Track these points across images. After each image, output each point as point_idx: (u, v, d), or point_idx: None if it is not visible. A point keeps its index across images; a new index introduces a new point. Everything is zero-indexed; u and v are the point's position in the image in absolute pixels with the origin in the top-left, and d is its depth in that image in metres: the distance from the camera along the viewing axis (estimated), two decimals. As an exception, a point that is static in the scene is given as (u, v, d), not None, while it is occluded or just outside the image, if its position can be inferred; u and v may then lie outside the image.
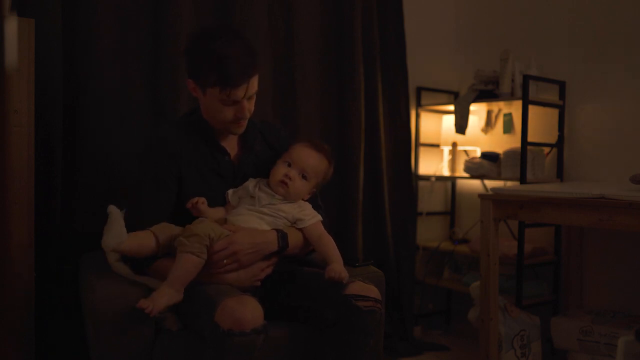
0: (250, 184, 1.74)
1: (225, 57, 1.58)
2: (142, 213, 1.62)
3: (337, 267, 1.62)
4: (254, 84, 1.67)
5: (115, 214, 1.48)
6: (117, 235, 1.47)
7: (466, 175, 2.97)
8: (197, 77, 1.66)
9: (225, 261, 1.58)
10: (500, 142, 3.04)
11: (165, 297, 1.49)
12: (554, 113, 2.77)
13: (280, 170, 1.72)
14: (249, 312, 1.41)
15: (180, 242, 1.51)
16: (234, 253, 1.58)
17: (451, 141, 3.10)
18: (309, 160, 1.74)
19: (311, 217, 1.73)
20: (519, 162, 2.63)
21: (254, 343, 1.41)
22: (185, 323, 1.60)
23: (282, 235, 1.65)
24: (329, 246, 1.70)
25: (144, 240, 1.54)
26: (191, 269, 1.52)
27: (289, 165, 1.73)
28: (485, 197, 2.32)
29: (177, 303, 1.53)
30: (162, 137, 1.71)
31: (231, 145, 1.79)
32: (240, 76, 1.60)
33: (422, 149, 3.22)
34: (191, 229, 1.53)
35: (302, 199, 1.76)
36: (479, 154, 3.04)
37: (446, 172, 3.15)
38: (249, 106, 1.69)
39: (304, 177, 1.73)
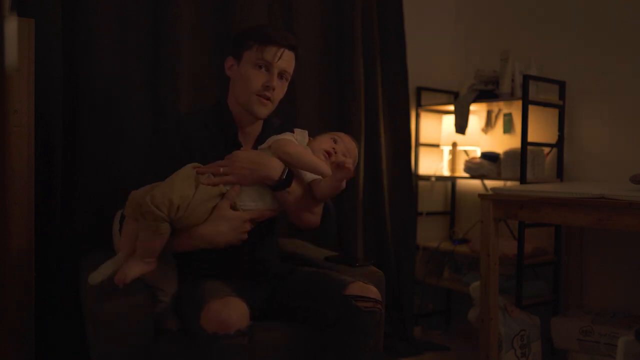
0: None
1: (266, 26, 1.78)
2: None
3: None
4: (289, 59, 1.73)
5: (102, 276, 1.52)
6: (113, 265, 1.53)
7: (466, 175, 2.97)
8: (237, 48, 1.72)
9: (222, 169, 1.57)
10: (500, 142, 3.04)
11: (136, 268, 1.49)
12: (554, 113, 2.77)
13: (327, 142, 1.71)
14: (233, 314, 1.41)
15: (138, 218, 1.49)
16: (231, 163, 1.58)
17: (451, 141, 3.10)
18: (352, 146, 1.76)
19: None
20: (519, 162, 2.63)
21: (240, 344, 1.41)
22: (181, 317, 1.60)
23: (288, 171, 1.60)
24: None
25: (127, 234, 1.54)
26: (153, 243, 1.50)
27: (335, 142, 1.73)
28: (485, 197, 2.32)
29: (150, 271, 1.52)
30: (177, 124, 1.72)
31: (247, 145, 1.79)
32: (276, 36, 1.69)
33: (422, 149, 3.22)
34: (147, 203, 1.45)
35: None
36: (479, 154, 3.04)
37: (446, 172, 3.15)
38: (279, 86, 1.72)
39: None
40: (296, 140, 1.68)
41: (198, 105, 2.28)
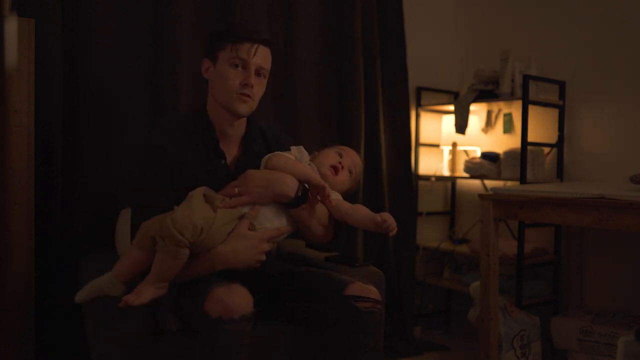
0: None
1: (238, 24, 1.75)
2: (149, 216, 1.58)
3: (386, 216, 1.58)
4: (265, 55, 1.70)
5: (86, 294, 1.53)
6: (101, 286, 1.52)
7: (466, 175, 2.97)
8: (211, 50, 1.70)
9: (236, 189, 1.56)
10: (500, 142, 3.04)
11: (149, 292, 1.47)
12: (554, 113, 2.77)
13: (332, 157, 1.70)
14: (237, 299, 1.41)
15: (157, 240, 1.47)
16: (245, 183, 1.56)
17: (451, 141, 3.10)
18: (357, 160, 1.76)
19: (338, 195, 1.69)
20: (519, 162, 2.63)
21: (244, 330, 1.41)
22: (181, 317, 1.60)
23: (303, 188, 1.58)
24: (363, 208, 1.65)
25: (128, 261, 1.54)
26: (170, 268, 1.48)
27: (341, 156, 1.72)
28: (485, 197, 2.32)
29: (161, 296, 1.50)
30: (161, 139, 1.68)
31: (231, 148, 1.76)
32: (249, 33, 1.67)
33: (422, 149, 3.22)
34: (168, 227, 1.44)
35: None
36: (479, 154, 3.04)
37: (446, 172, 3.15)
38: (258, 84, 1.69)
39: (350, 172, 1.72)
40: (294, 157, 1.66)
41: (175, 113, 2.22)
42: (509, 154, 2.77)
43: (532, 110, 2.65)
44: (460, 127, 2.87)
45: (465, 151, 3.15)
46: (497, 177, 2.84)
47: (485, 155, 2.91)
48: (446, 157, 3.16)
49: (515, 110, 2.95)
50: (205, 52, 1.74)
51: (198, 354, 1.43)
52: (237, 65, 1.66)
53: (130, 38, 2.20)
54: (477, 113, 3.15)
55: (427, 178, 3.22)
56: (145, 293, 1.47)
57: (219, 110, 1.71)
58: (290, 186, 1.57)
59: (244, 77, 1.66)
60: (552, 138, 2.77)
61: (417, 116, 3.20)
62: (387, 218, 1.58)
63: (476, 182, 3.19)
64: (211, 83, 1.73)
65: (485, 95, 2.85)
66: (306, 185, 1.59)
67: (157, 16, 2.24)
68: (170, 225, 1.43)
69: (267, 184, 1.56)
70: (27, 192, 1.81)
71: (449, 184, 3.34)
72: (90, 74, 2.12)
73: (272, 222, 1.60)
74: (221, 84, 1.68)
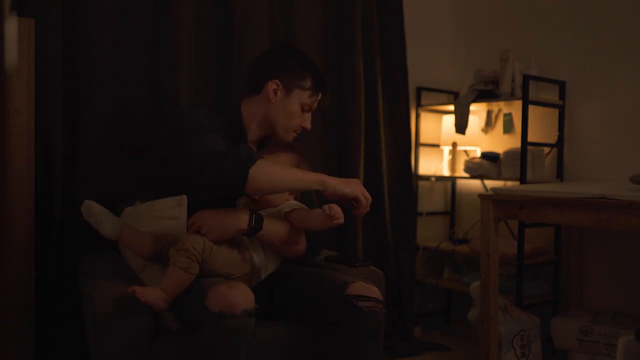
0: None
1: (318, 66, 1.84)
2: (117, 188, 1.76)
3: (332, 204, 1.59)
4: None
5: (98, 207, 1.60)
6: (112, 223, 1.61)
7: (466, 175, 2.97)
8: (289, 77, 1.78)
9: (202, 231, 1.60)
10: (500, 142, 3.04)
11: (160, 299, 1.50)
12: (554, 113, 2.77)
13: None
14: (239, 295, 1.43)
15: (171, 254, 1.52)
16: (198, 226, 1.60)
17: (451, 141, 3.10)
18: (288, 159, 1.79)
19: (294, 205, 1.72)
20: (519, 162, 2.63)
21: (246, 326, 1.41)
22: (181, 314, 1.60)
23: (256, 217, 1.62)
24: (316, 210, 1.67)
25: (148, 241, 1.60)
26: (182, 282, 1.52)
27: None
28: (485, 197, 2.32)
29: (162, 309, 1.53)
30: (180, 115, 1.78)
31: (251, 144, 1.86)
32: (327, 86, 1.83)
33: (422, 149, 3.22)
34: (183, 241, 1.53)
35: (286, 200, 1.75)
36: (479, 154, 3.04)
37: (446, 172, 3.15)
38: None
39: None
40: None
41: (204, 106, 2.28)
42: (509, 154, 2.77)
43: (532, 110, 2.65)
44: (460, 127, 2.87)
45: (465, 151, 3.15)
46: (497, 177, 2.83)
47: (485, 155, 2.91)
48: (446, 157, 3.16)
49: (515, 110, 2.95)
50: (280, 73, 1.78)
51: (198, 350, 1.44)
52: (304, 110, 1.80)
53: (131, 38, 2.20)
54: (477, 113, 3.14)
55: (427, 178, 3.22)
56: (157, 298, 1.49)
57: (263, 121, 1.81)
58: (242, 220, 1.60)
59: (304, 120, 1.82)
60: (552, 138, 2.77)
61: (417, 116, 3.20)
62: (333, 206, 1.58)
63: (476, 182, 3.19)
64: (274, 105, 1.79)
65: (485, 95, 2.85)
66: (260, 213, 1.64)
67: (158, 16, 2.24)
68: (185, 238, 1.54)
69: (220, 223, 1.60)
70: (27, 192, 1.81)
71: (449, 184, 3.34)
72: (90, 73, 2.11)
73: (266, 254, 1.68)
74: (286, 116, 1.79)
